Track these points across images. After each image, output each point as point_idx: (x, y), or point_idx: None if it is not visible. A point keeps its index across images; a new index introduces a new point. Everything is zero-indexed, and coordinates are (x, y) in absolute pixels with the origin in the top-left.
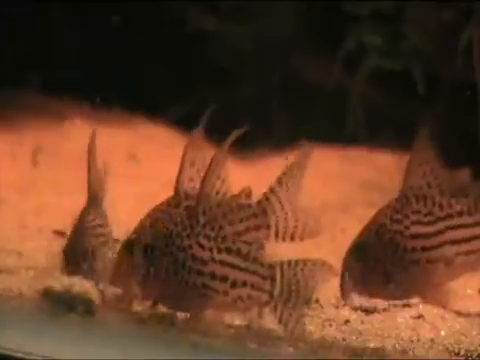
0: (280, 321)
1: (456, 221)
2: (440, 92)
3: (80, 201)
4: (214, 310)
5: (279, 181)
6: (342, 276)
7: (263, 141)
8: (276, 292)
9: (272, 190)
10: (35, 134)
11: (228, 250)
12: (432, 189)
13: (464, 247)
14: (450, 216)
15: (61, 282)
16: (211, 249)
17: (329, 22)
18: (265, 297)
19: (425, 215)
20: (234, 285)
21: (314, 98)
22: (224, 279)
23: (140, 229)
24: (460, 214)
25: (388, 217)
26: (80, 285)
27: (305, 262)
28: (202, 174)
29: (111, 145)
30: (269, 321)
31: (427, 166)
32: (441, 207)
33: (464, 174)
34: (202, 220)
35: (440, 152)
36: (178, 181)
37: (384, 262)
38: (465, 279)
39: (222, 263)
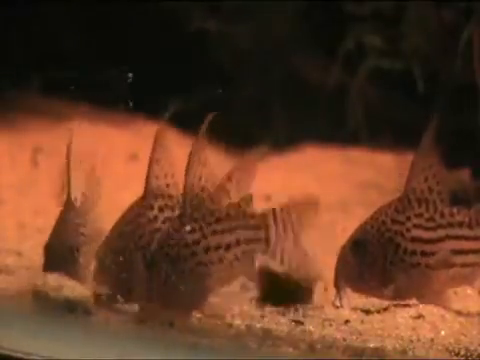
0: (282, 262)
1: (456, 231)
2: (440, 92)
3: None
4: (214, 284)
5: None
6: (337, 270)
7: (263, 141)
8: (272, 236)
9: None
10: (35, 134)
11: (218, 220)
12: (434, 195)
13: (461, 259)
14: (451, 225)
15: (61, 282)
16: (201, 228)
17: (329, 22)
18: (261, 247)
19: (427, 220)
20: (228, 248)
21: (314, 98)
22: (218, 247)
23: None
24: (461, 225)
25: (389, 216)
26: (80, 285)
27: (300, 204)
28: (169, 170)
29: (112, 145)
30: (269, 321)
31: (430, 170)
32: (442, 215)
33: (464, 174)
34: (189, 210)
35: (440, 152)
36: (147, 181)
37: (383, 261)
38: None
39: (214, 233)
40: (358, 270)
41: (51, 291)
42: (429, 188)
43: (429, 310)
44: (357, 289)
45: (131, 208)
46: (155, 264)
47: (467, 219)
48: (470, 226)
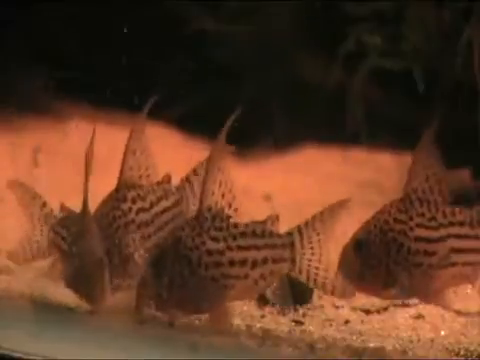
0: (308, 280)
1: (458, 231)
2: (440, 92)
3: (80, 202)
4: (236, 298)
5: None
6: (339, 269)
7: (263, 141)
8: (298, 255)
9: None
10: (35, 134)
11: (243, 234)
12: (435, 194)
13: (462, 258)
14: (452, 224)
15: (61, 282)
16: (225, 238)
17: (329, 22)
18: (287, 266)
19: (429, 220)
20: (254, 265)
21: (314, 98)
22: (243, 263)
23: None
24: (462, 224)
25: (392, 216)
26: None
27: (322, 212)
28: (143, 162)
29: (112, 145)
30: (269, 321)
31: (430, 170)
32: (444, 214)
33: (464, 174)
34: (208, 215)
35: (440, 152)
36: (121, 173)
37: (387, 260)
38: None
39: (239, 248)
40: (361, 270)
41: (51, 291)
42: (430, 188)
43: (429, 310)
44: (360, 289)
45: (105, 201)
46: (168, 265)
47: (468, 218)
48: (471, 225)
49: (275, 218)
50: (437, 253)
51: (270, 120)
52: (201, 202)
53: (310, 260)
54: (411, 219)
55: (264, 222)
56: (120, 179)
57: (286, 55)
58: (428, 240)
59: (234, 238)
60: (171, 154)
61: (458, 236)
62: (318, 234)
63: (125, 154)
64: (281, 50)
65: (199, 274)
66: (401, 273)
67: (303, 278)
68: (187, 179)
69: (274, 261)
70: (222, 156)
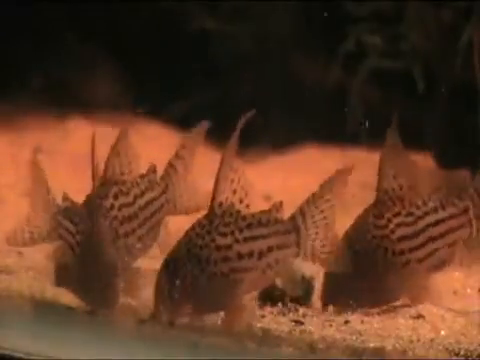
0: (314, 261)
1: (433, 217)
2: (437, 92)
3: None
4: (246, 293)
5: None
6: (323, 291)
7: (263, 141)
8: (302, 237)
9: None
10: (35, 134)
11: (249, 226)
12: (405, 189)
13: (442, 242)
14: (427, 214)
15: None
16: (233, 232)
17: (329, 22)
18: (293, 251)
19: (406, 216)
20: (261, 255)
21: (314, 98)
22: (250, 254)
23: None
24: (436, 210)
25: (371, 224)
26: None
27: (321, 187)
28: (126, 160)
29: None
30: (269, 321)
31: (397, 167)
32: (417, 206)
33: (464, 175)
34: (219, 212)
35: (440, 153)
36: (106, 170)
37: (375, 269)
38: (465, 279)
39: (246, 240)
40: (350, 286)
41: (51, 291)
42: (399, 185)
43: (429, 310)
44: (351, 306)
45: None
46: (181, 264)
47: (438, 202)
48: (443, 207)
49: (279, 205)
50: (420, 247)
51: (270, 120)
52: (213, 198)
53: (315, 240)
54: (390, 221)
55: (269, 211)
56: (103, 177)
57: (286, 55)
58: (410, 236)
59: (241, 231)
60: (170, 154)
61: (436, 222)
62: (322, 211)
63: (110, 155)
64: (281, 50)
65: (209, 271)
66: (394, 277)
67: (308, 259)
68: (171, 164)
69: (279, 248)
70: (234, 154)
